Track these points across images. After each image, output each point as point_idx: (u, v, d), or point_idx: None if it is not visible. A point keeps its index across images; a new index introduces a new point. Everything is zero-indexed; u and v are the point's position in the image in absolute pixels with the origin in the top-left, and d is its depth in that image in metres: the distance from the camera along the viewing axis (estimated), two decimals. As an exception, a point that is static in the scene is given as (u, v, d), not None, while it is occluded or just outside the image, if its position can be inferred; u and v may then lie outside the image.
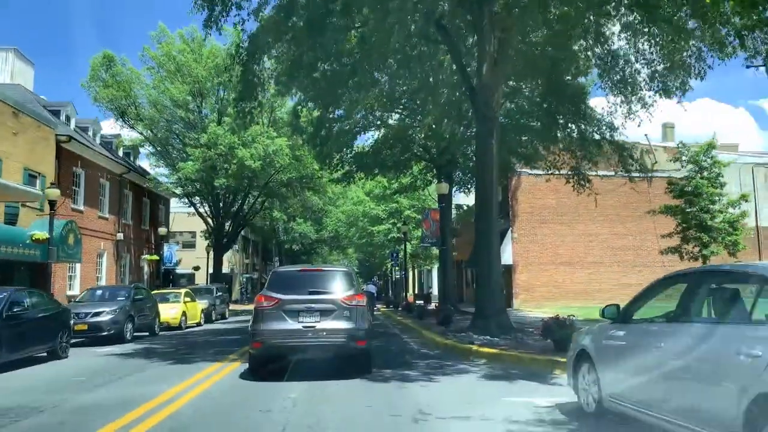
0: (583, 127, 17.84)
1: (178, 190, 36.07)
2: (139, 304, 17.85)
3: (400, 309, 32.37)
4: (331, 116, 19.45)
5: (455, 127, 21.11)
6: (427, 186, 30.03)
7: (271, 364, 9.32)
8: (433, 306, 26.89)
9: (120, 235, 31.49)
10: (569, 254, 31.39)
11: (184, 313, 22.10)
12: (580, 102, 17.72)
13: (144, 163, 40.23)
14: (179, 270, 46.78)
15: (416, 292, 53.35)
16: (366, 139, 32.18)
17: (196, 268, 43.29)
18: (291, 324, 8.79)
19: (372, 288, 33.91)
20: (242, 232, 56.89)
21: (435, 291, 54.62)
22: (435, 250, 45.05)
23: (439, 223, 19.33)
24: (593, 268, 31.45)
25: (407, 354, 12.33)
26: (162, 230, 30.80)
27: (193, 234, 50.19)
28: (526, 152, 23.06)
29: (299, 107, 17.75)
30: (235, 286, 57.00)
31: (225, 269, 51.22)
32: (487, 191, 14.41)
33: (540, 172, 30.05)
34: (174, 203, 41.54)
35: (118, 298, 17.17)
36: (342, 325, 8.90)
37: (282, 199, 41.18)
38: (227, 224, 38.62)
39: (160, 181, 33.98)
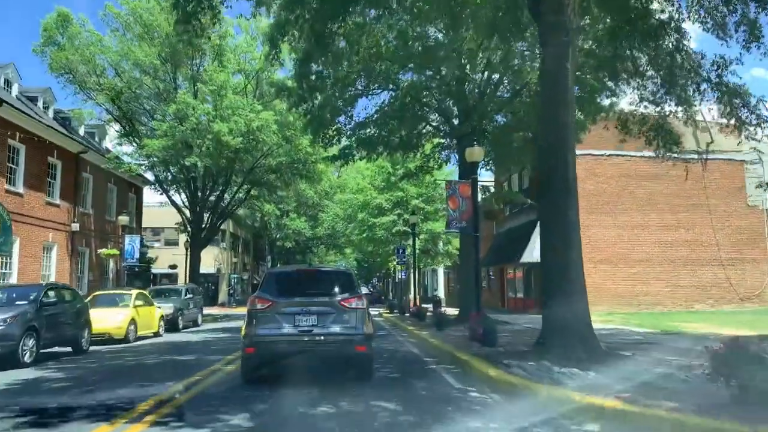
0: (675, 64, 12.68)
1: (148, 175, 30.90)
2: (53, 311, 12.66)
3: (407, 315, 27.58)
4: (323, 57, 14.22)
5: (504, 51, 15.99)
6: (442, 165, 24.89)
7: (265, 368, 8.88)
8: (448, 311, 22.01)
9: (76, 226, 26.67)
10: (611, 250, 26.28)
11: (133, 321, 16.98)
12: (670, 30, 12.57)
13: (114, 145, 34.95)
14: (159, 270, 41.67)
15: (419, 294, 48.25)
16: (369, 103, 27.41)
17: (173, 267, 38.08)
18: (286, 328, 8.30)
19: (364, 291, 29.35)
20: (231, 229, 51.81)
21: (441, 294, 49.84)
22: (442, 246, 40.10)
23: (471, 201, 14.28)
24: (639, 266, 26.34)
25: (450, 404, 7.14)
26: (122, 219, 25.58)
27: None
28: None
29: (279, 35, 12.51)
30: (222, 286, 51.80)
31: (211, 269, 46.05)
32: (561, 133, 9.40)
33: (579, 152, 25.10)
34: (154, 194, 36.48)
35: (18, 302, 12.03)
36: (340, 328, 8.37)
37: (271, 188, 36.13)
38: (206, 216, 33.37)
39: (122, 161, 28.63)
